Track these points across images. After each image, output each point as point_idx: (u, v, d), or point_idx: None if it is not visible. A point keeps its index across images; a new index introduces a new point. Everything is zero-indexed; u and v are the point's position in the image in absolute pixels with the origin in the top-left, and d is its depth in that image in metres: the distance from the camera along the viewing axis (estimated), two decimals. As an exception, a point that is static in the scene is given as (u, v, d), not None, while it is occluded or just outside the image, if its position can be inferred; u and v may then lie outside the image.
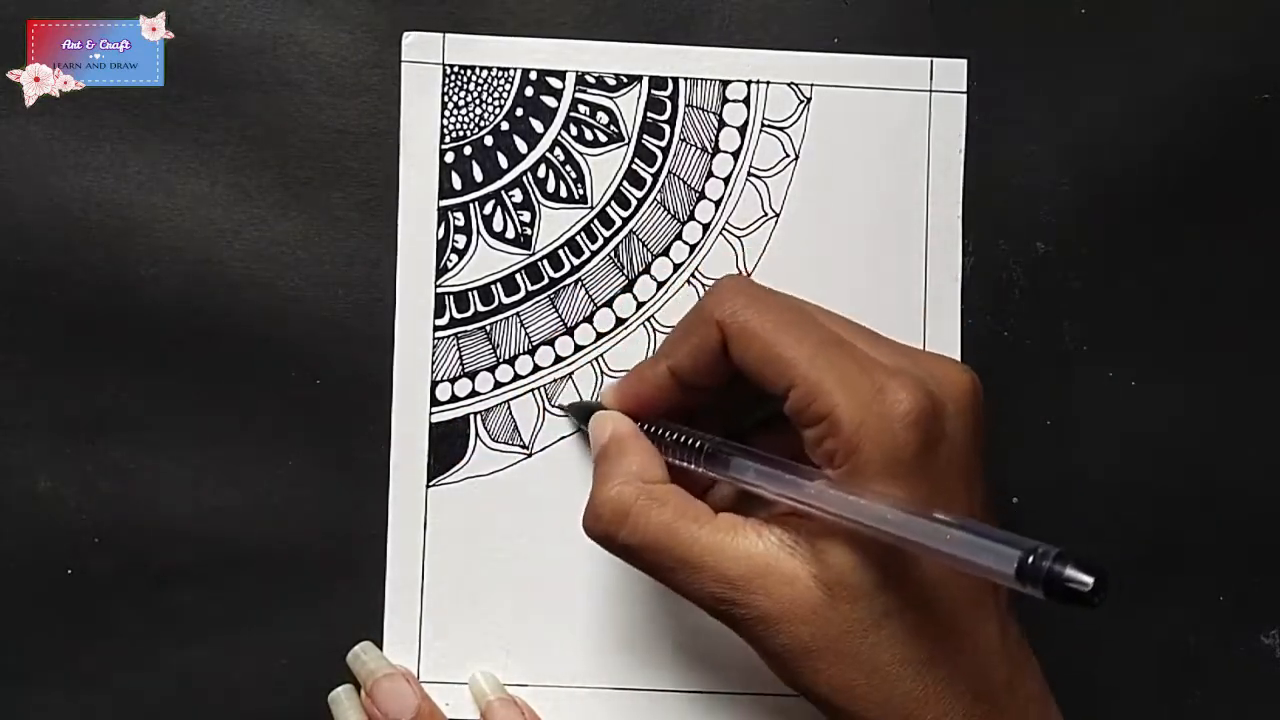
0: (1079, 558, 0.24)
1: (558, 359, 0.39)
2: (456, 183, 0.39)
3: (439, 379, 0.39)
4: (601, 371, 0.39)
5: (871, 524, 0.28)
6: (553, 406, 0.39)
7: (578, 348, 0.39)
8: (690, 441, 0.34)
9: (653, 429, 0.35)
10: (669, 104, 0.39)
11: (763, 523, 0.32)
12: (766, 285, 0.35)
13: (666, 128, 0.39)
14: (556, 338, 0.39)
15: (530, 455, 0.39)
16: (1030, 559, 0.25)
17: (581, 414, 0.37)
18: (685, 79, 0.39)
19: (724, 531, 0.31)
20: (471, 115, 0.39)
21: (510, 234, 0.39)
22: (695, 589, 0.32)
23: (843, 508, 0.29)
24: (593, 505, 0.33)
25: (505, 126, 0.39)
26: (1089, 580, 0.24)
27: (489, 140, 0.39)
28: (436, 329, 0.39)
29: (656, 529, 0.32)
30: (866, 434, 0.29)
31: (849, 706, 0.31)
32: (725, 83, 0.39)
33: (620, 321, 0.39)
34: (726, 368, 0.33)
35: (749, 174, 0.39)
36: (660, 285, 0.39)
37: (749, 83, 0.39)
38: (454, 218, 0.39)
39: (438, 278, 0.39)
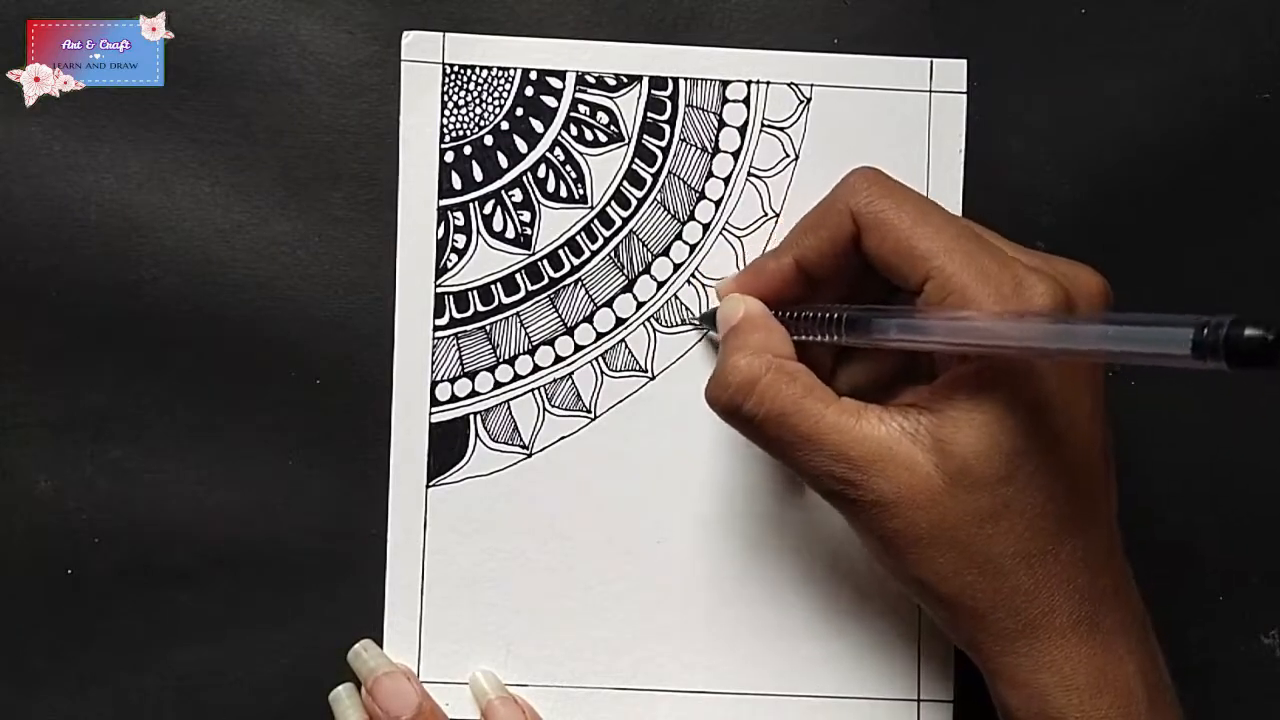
0: (1251, 318, 0.23)
1: (558, 359, 0.39)
2: (456, 182, 0.39)
3: (439, 379, 0.39)
4: (601, 371, 0.39)
5: (1034, 343, 0.28)
6: (691, 321, 0.39)
7: (578, 348, 0.39)
8: (825, 314, 0.33)
9: (782, 312, 0.35)
10: (669, 104, 0.39)
11: (885, 409, 0.32)
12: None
13: (666, 128, 0.39)
14: (556, 338, 0.39)
15: (530, 455, 0.39)
16: (1205, 330, 0.23)
17: (713, 321, 0.37)
18: (685, 79, 0.39)
19: (848, 413, 0.32)
20: (471, 115, 0.39)
21: (510, 234, 0.39)
22: (814, 466, 0.32)
23: (997, 335, 0.29)
24: (721, 374, 0.33)
25: (505, 126, 0.39)
26: (1270, 335, 0.23)
27: (489, 140, 0.39)
28: (436, 329, 0.39)
29: (784, 402, 0.32)
30: None
31: (955, 596, 0.31)
32: (725, 83, 0.39)
33: (620, 321, 0.39)
34: (852, 262, 0.33)
35: (749, 174, 0.39)
36: (660, 285, 0.39)
37: (749, 83, 0.39)
38: (454, 217, 0.39)
39: (438, 277, 0.39)
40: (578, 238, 0.39)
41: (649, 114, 0.39)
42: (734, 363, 0.33)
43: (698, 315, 0.39)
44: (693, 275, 0.39)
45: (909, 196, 0.33)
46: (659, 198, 0.39)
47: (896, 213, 0.32)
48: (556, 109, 0.39)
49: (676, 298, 0.39)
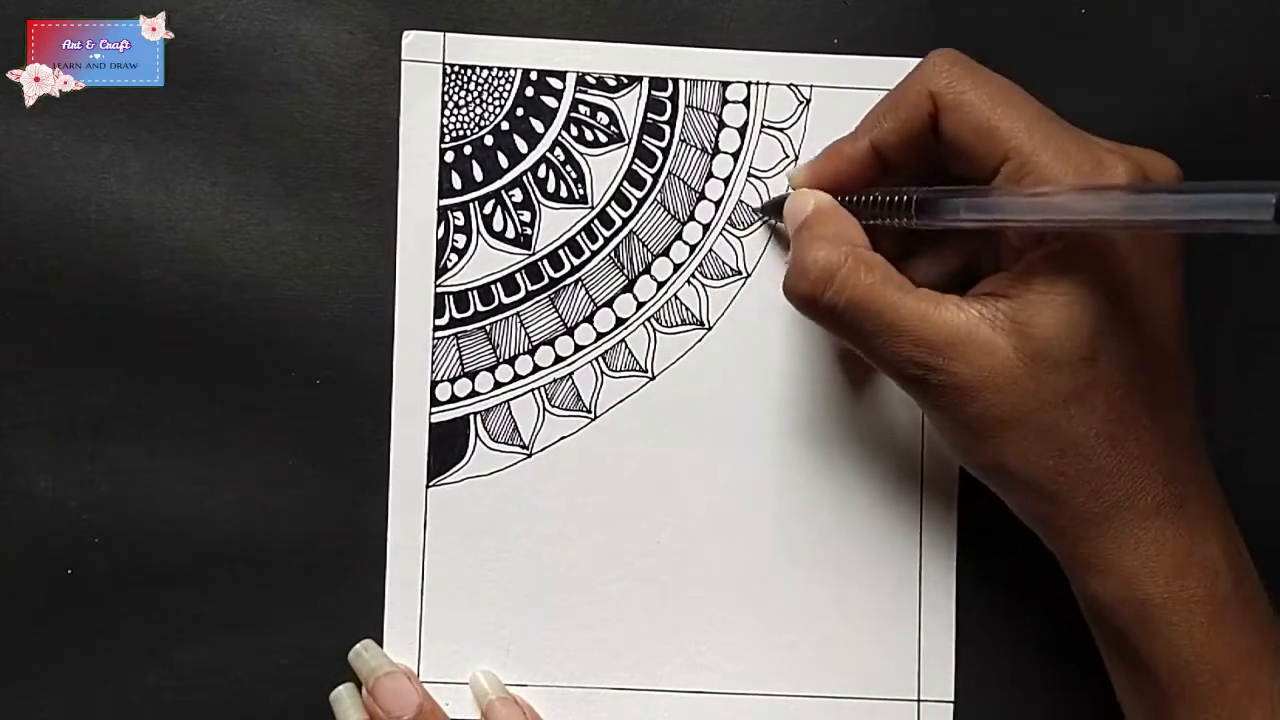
0: None
1: (558, 359, 0.39)
2: (456, 182, 0.39)
3: (439, 379, 0.39)
4: (601, 372, 0.39)
5: (1115, 215, 0.28)
6: (755, 212, 0.39)
7: (578, 348, 0.39)
8: (896, 197, 0.33)
9: (851, 196, 0.35)
10: (669, 105, 0.39)
11: (962, 298, 0.32)
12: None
13: (666, 128, 0.39)
14: (556, 338, 0.39)
15: (530, 455, 0.39)
16: None
17: (777, 209, 0.37)
18: (685, 80, 0.39)
19: (927, 301, 0.32)
20: (472, 115, 0.39)
21: (510, 234, 0.39)
22: (894, 353, 0.32)
23: (1076, 210, 0.29)
24: (799, 266, 0.33)
25: (505, 126, 0.39)
26: None
27: (489, 140, 0.39)
28: (436, 329, 0.39)
29: (863, 291, 0.32)
30: None
31: (1036, 480, 0.31)
32: (725, 84, 0.39)
33: (620, 321, 0.39)
34: (927, 146, 0.33)
35: (749, 175, 0.39)
36: (660, 285, 0.39)
37: (749, 84, 0.39)
38: (454, 217, 0.39)
39: (438, 277, 0.39)
40: (578, 238, 0.39)
41: (649, 114, 0.39)
42: (813, 254, 0.32)
43: (758, 206, 0.39)
44: (693, 275, 0.39)
45: (989, 77, 0.33)
46: (659, 198, 0.39)
47: (977, 93, 0.32)
48: (557, 109, 0.39)
49: (676, 298, 0.39)
